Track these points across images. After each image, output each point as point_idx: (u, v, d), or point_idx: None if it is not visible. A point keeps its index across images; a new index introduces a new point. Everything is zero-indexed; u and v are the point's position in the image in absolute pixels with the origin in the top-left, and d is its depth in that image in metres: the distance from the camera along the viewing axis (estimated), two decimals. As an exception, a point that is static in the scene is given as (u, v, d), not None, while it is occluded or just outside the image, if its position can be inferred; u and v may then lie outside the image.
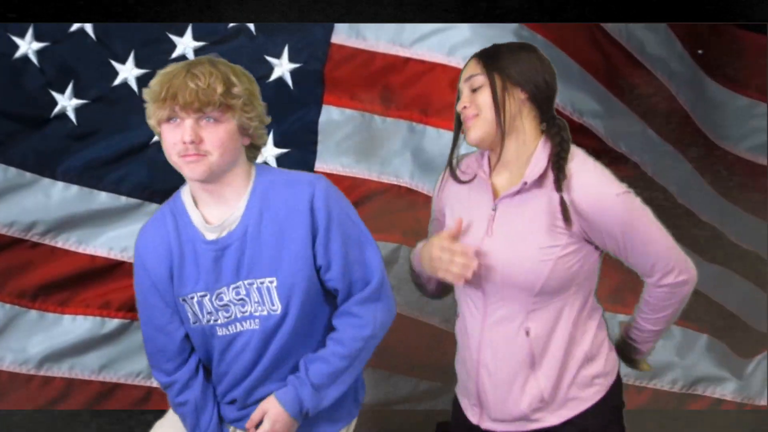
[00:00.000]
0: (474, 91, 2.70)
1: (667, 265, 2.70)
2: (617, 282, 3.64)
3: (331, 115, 3.56)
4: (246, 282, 2.71)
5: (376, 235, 3.54)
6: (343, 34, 3.53)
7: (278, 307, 2.71)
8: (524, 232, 2.67)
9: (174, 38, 3.52)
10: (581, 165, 2.66)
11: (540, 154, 2.67)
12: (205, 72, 2.63)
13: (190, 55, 3.52)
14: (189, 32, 3.52)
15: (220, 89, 2.63)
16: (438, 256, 2.69)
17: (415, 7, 3.95)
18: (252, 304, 2.72)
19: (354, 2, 3.99)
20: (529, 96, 2.68)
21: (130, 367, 3.64)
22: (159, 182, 3.55)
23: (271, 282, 2.70)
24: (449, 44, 3.52)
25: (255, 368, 2.78)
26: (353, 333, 2.76)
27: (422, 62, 3.53)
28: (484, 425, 2.81)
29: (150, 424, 3.01)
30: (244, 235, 2.70)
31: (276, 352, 2.76)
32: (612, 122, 3.62)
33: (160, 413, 3.00)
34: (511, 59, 2.69)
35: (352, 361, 2.77)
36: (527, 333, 2.70)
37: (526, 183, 2.66)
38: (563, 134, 2.70)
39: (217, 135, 2.66)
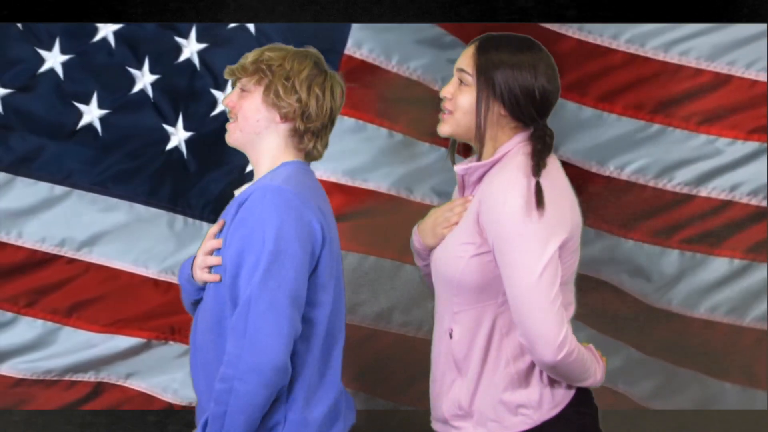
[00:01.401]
0: (460, 83, 2.68)
1: (515, 316, 2.57)
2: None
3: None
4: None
5: (369, 249, 3.59)
6: (353, 45, 3.53)
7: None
8: (458, 226, 2.68)
9: (180, 41, 3.52)
10: (509, 170, 2.61)
11: (501, 150, 2.66)
12: (261, 48, 2.77)
13: (195, 59, 3.52)
14: (193, 35, 3.52)
15: (250, 58, 2.74)
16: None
17: (416, 7, 3.94)
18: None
19: (353, 2, 3.98)
20: (509, 112, 2.65)
21: (156, 378, 3.64)
22: (175, 189, 3.56)
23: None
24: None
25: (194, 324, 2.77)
26: (222, 369, 2.59)
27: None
28: (432, 422, 2.80)
29: (152, 424, 3.00)
30: (231, 209, 2.72)
31: (199, 325, 2.74)
32: None
33: (163, 413, 2.99)
34: (507, 68, 2.63)
35: (224, 406, 2.58)
36: (450, 335, 2.68)
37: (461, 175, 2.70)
38: (547, 139, 2.67)
39: (242, 102, 2.74)
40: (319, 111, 2.72)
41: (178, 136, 3.55)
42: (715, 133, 3.69)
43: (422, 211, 3.46)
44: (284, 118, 2.72)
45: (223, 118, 3.33)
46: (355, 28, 3.55)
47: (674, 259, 3.72)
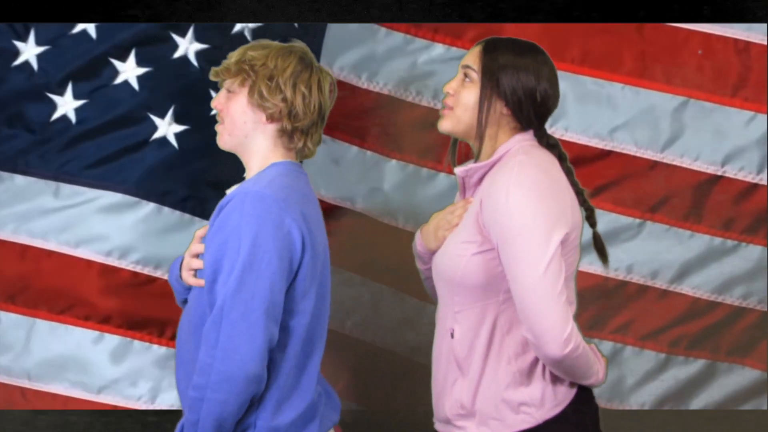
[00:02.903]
0: (464, 79, 2.71)
1: (521, 311, 2.59)
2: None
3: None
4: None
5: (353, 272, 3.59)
6: (325, 62, 3.52)
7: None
8: (459, 226, 2.69)
9: (176, 38, 3.51)
10: (510, 168, 2.62)
11: (501, 150, 2.67)
12: (244, 47, 2.72)
13: (191, 57, 3.50)
14: (191, 33, 3.50)
15: (234, 58, 2.69)
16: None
17: (415, 7, 3.95)
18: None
19: (352, 2, 3.99)
20: (511, 111, 2.68)
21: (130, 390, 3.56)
22: (151, 182, 3.53)
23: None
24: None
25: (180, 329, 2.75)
26: (195, 377, 2.57)
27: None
28: (435, 423, 2.80)
29: (152, 425, 3.01)
30: (215, 213, 2.67)
31: (183, 327, 2.71)
32: None
33: (163, 413, 2.99)
34: (511, 68, 2.66)
35: (197, 414, 2.56)
36: (452, 335, 2.69)
37: (462, 177, 2.70)
38: (560, 150, 2.71)
39: (228, 104, 2.70)
40: (306, 109, 2.66)
41: (166, 129, 3.52)
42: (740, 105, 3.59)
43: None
44: (271, 118, 2.66)
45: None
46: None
47: (703, 244, 3.67)
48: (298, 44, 2.74)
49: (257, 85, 2.65)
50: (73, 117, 3.49)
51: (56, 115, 3.49)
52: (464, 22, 3.57)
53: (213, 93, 3.52)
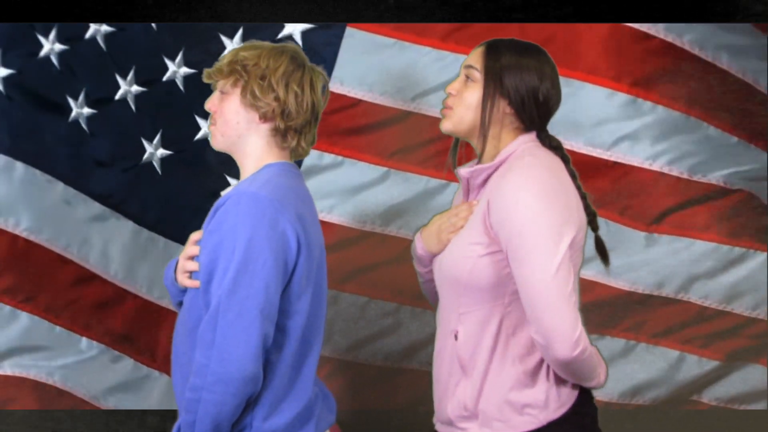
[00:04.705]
0: (467, 79, 2.72)
1: (531, 313, 2.57)
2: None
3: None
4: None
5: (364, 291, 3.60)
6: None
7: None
8: (465, 228, 2.70)
9: (167, 62, 3.51)
10: (518, 169, 2.62)
11: (506, 152, 2.69)
12: (236, 48, 2.75)
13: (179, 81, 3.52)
14: (180, 57, 3.51)
15: (226, 59, 2.71)
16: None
17: (418, 8, 3.95)
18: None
19: (356, 3, 3.99)
20: (515, 110, 2.69)
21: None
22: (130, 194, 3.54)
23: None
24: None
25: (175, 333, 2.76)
26: (191, 378, 2.59)
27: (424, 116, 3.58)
28: (436, 424, 2.81)
29: (153, 425, 3.01)
30: (210, 214, 2.68)
31: (178, 325, 2.72)
32: None
33: (163, 413, 2.99)
34: (514, 68, 2.68)
35: (194, 415, 2.58)
36: (455, 336, 2.70)
37: (467, 178, 2.71)
38: (563, 152, 2.72)
39: (221, 105, 2.71)
40: (299, 108, 2.68)
41: (154, 151, 3.53)
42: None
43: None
44: (264, 118, 2.68)
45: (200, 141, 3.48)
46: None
47: (708, 253, 3.66)
48: (290, 45, 2.76)
49: (249, 84, 2.67)
50: (84, 123, 3.51)
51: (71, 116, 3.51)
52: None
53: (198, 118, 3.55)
